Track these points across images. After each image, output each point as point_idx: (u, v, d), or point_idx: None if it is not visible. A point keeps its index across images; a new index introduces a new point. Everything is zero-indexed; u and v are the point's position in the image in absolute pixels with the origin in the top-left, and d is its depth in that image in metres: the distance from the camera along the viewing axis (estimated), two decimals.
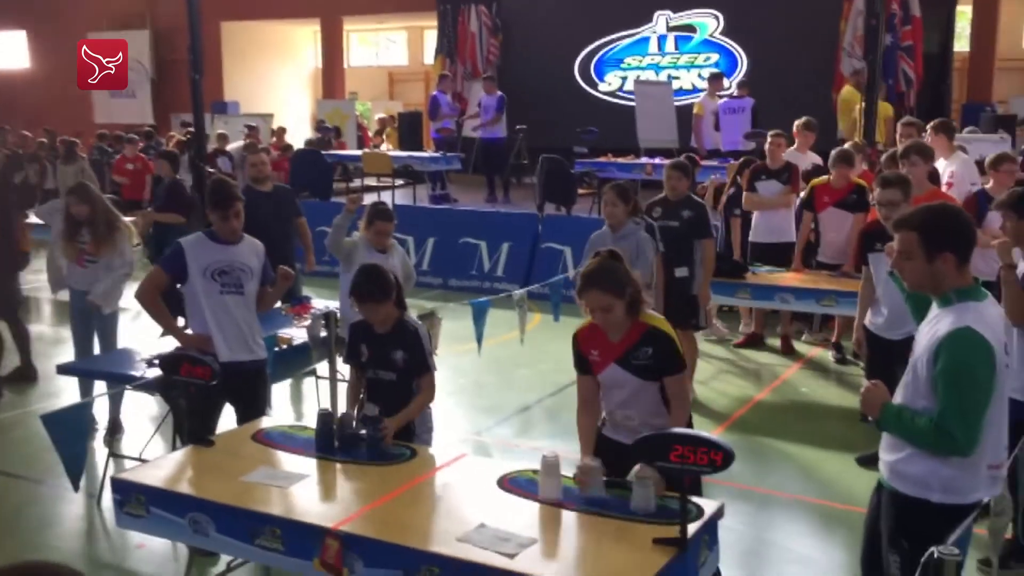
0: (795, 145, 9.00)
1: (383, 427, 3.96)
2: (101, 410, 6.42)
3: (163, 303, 4.84)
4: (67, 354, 6.95)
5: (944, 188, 7.48)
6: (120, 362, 5.79)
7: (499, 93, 14.38)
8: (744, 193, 8.37)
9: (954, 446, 2.98)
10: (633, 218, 6.20)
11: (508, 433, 6.52)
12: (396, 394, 4.19)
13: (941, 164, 7.82)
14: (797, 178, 8.20)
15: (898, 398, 3.19)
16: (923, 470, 3.07)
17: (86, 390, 6.27)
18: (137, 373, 5.39)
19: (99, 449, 6.16)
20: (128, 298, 5.82)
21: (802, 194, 8.04)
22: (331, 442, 3.97)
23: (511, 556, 3.01)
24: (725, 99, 12.87)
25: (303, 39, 24.79)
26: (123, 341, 6.67)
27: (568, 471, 3.54)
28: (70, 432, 4.54)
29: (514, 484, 3.57)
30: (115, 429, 6.42)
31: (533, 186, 12.92)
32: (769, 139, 8.39)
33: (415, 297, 8.07)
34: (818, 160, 9.11)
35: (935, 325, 3.08)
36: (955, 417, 2.95)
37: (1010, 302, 4.26)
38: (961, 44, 17.26)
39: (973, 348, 2.96)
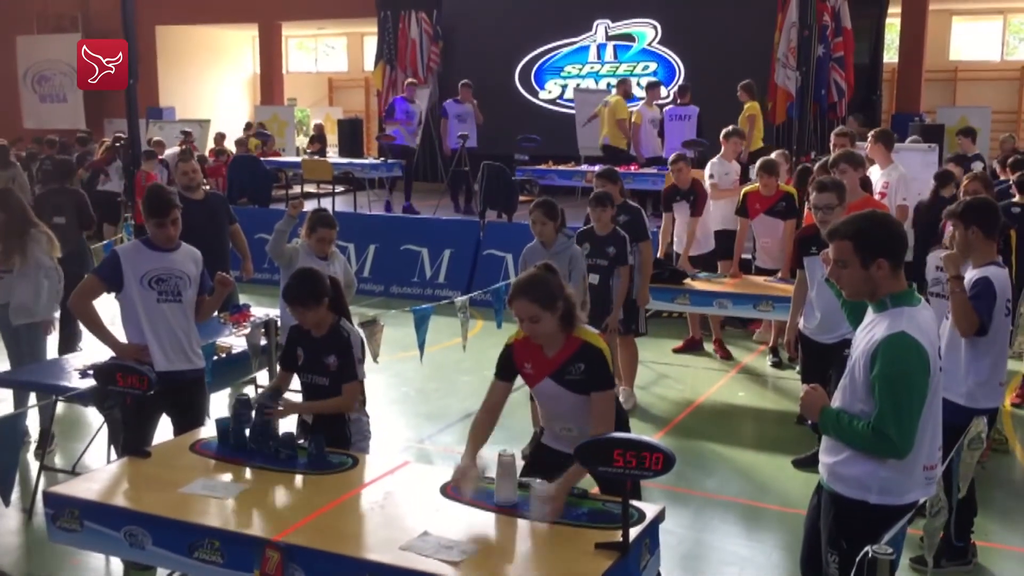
0: (721, 153, 9.03)
1: (270, 409, 3.99)
2: (33, 422, 6.25)
3: (97, 312, 4.74)
4: (3, 365, 6.76)
5: (876, 197, 7.63)
6: (52, 373, 5.65)
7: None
8: (664, 215, 8.51)
9: (891, 448, 3.05)
10: (564, 231, 6.18)
11: (451, 440, 6.49)
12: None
13: (877, 173, 7.94)
14: (703, 201, 8.22)
15: (836, 401, 3.26)
16: (861, 472, 3.15)
17: (20, 402, 6.10)
18: (70, 384, 5.26)
19: (31, 462, 6.00)
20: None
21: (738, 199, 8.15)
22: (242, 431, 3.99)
23: (455, 563, 3.01)
24: (670, 107, 12.97)
25: (241, 44, 24.49)
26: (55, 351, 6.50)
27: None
28: (0, 445, 4.42)
29: (457, 492, 3.56)
30: (47, 441, 6.25)
31: (474, 193, 12.92)
32: (670, 165, 8.36)
33: (357, 304, 7.98)
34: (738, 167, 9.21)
35: (871, 330, 3.16)
36: (891, 420, 3.02)
37: (958, 314, 4.36)
38: (890, 55, 17.68)
39: (908, 353, 3.04)
